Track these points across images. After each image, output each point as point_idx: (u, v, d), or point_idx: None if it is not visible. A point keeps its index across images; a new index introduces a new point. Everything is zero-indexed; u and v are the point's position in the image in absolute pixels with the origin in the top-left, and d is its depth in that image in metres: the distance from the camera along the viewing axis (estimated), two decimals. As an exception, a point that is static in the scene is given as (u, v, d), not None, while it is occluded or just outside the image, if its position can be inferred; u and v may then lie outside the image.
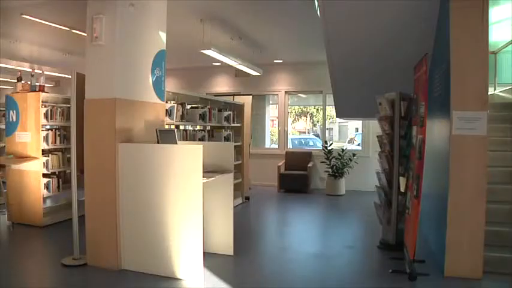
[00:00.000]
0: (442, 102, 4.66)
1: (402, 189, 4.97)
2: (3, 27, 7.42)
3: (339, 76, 6.66)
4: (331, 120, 18.42)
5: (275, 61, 10.58)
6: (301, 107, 20.13)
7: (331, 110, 12.01)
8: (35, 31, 7.59)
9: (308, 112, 23.34)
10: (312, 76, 10.55)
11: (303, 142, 16.63)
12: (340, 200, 9.13)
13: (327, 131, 11.32)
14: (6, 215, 6.54)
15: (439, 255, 4.48)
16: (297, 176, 9.81)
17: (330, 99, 9.84)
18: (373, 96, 5.47)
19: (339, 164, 9.56)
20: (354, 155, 9.71)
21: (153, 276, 4.24)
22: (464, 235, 4.17)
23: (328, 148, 9.71)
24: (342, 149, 9.84)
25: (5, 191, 6.51)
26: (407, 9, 5.06)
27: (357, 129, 19.91)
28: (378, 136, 5.64)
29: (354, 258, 5.17)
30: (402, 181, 4.96)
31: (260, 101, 11.77)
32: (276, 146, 11.42)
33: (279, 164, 10.08)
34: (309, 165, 10.01)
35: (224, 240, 4.99)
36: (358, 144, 13.83)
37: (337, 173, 9.51)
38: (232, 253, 4.96)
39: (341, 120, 17.11)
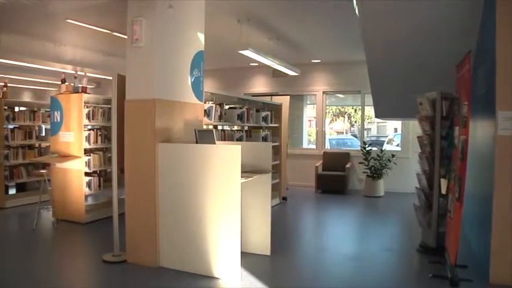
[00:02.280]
0: (486, 102, 4.51)
1: (443, 192, 4.84)
2: (49, 32, 7.70)
3: (378, 75, 6.56)
4: (369, 120, 18.17)
5: (313, 61, 10.52)
6: (339, 107, 19.94)
7: (369, 110, 11.85)
8: (78, 35, 7.82)
9: (346, 112, 23.09)
10: (350, 76, 10.42)
11: (341, 142, 16.47)
12: (379, 201, 8.99)
13: (365, 132, 11.15)
14: (51, 212, 6.78)
15: (483, 260, 4.34)
16: (335, 177, 9.72)
17: (368, 99, 9.73)
18: (413, 96, 5.35)
19: (377, 164, 9.42)
20: (393, 155, 9.52)
21: (190, 275, 4.29)
22: (511, 239, 4.01)
23: (367, 149, 9.58)
24: (381, 150, 9.68)
25: (49, 188, 6.73)
26: (449, 5, 4.93)
27: (395, 130, 19.56)
28: (418, 137, 5.52)
29: (392, 261, 5.07)
30: (443, 183, 4.83)
31: (298, 101, 11.71)
32: (314, 147, 11.35)
33: (317, 165, 10.01)
34: (347, 165, 9.90)
35: (261, 240, 5.00)
36: (397, 145, 13.57)
37: (375, 174, 9.37)
38: (269, 253, 4.96)
39: (379, 120, 16.84)
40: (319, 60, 10.52)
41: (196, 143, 4.50)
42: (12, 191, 8.34)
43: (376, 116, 8.23)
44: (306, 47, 8.91)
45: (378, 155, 9.48)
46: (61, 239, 5.91)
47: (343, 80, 10.67)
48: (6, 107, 7.70)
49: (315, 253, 5.39)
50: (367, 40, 5.89)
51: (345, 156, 10.33)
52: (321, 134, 11.01)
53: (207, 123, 6.01)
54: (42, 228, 6.30)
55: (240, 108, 7.13)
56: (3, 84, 8.10)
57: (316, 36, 8.14)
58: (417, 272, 4.71)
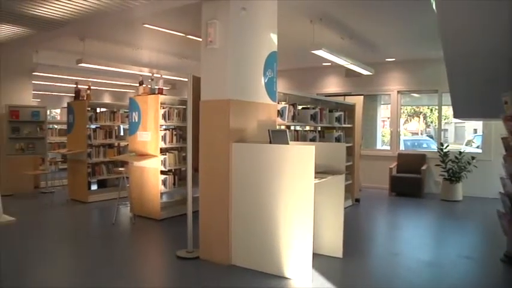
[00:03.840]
0: None
1: (532, 197, 4.52)
2: (127, 37, 8.06)
3: (457, 73, 6.23)
4: (446, 120, 17.40)
5: (387, 59, 10.23)
6: (414, 107, 19.26)
7: (446, 110, 11.33)
8: (154, 39, 8.12)
9: (421, 112, 22.27)
10: (427, 74, 10.02)
11: (416, 144, 15.89)
12: (457, 206, 8.55)
13: (441, 132, 10.67)
14: (129, 208, 7.09)
15: None
16: (410, 179, 9.39)
17: (446, 98, 9.31)
18: (498, 94, 5.04)
19: (455, 167, 8.97)
20: (472, 158, 9.04)
21: (261, 274, 4.31)
22: None
23: (444, 150, 9.16)
24: (459, 152, 9.22)
25: (127, 185, 7.04)
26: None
27: (475, 131, 18.60)
28: (502, 138, 5.19)
29: (472, 270, 4.79)
30: (532, 188, 4.51)
31: (371, 101, 11.46)
32: (388, 148, 11.04)
33: (391, 166, 9.72)
34: (423, 168, 9.53)
35: (333, 242, 4.92)
36: (477, 147, 12.87)
37: (453, 177, 8.93)
38: (341, 255, 4.88)
39: (457, 120, 16.08)
40: (393, 59, 10.22)
41: (270, 143, 4.50)
42: (94, 187, 8.84)
43: (455, 116, 7.82)
44: (379, 45, 8.68)
45: (456, 157, 9.03)
46: (138, 233, 6.17)
47: (418, 79, 10.28)
48: (89, 108, 8.18)
49: (388, 257, 5.23)
50: (445, 36, 5.63)
51: (421, 158, 9.95)
52: (395, 135, 10.68)
53: (280, 124, 6.02)
54: (120, 223, 6.62)
55: (313, 108, 7.07)
56: (87, 87, 8.59)
57: (391, 34, 7.90)
58: (501, 283, 4.43)
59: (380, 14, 6.54)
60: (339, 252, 4.89)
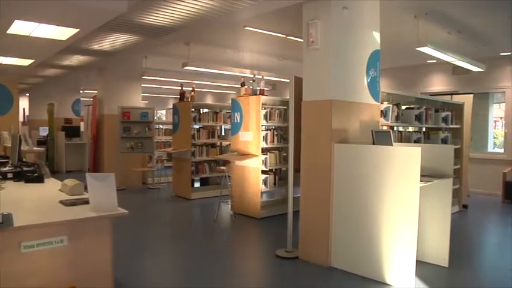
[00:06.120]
0: None
1: None
2: (228, 40, 8.29)
3: None
4: None
5: (501, 54, 9.44)
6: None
7: None
8: (255, 40, 8.25)
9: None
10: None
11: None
12: None
13: None
14: (229, 205, 7.29)
15: None
16: (527, 186, 8.62)
17: None
18: None
19: None
20: None
21: (361, 278, 4.22)
22: None
23: None
24: None
25: (229, 184, 7.24)
26: None
27: None
28: None
29: None
30: None
31: (482, 99, 10.68)
32: (501, 150, 10.23)
33: (505, 171, 8.99)
34: (543, 173, 8.71)
35: (438, 250, 4.66)
36: None
37: None
38: (446, 265, 4.59)
39: None
40: (508, 53, 9.42)
41: (373, 144, 4.39)
42: (196, 185, 9.22)
43: None
44: (492, 38, 8.01)
45: None
46: (238, 231, 6.34)
47: (540, 74, 9.38)
48: (193, 109, 8.54)
49: (501, 271, 4.77)
50: None
51: (541, 162, 9.09)
52: (510, 137, 9.85)
53: (383, 124, 5.83)
54: (222, 220, 6.84)
55: (418, 108, 6.75)
56: (191, 89, 8.99)
57: (506, 25, 7.25)
58: None
59: (495, 3, 6.02)
60: (444, 261, 4.62)
